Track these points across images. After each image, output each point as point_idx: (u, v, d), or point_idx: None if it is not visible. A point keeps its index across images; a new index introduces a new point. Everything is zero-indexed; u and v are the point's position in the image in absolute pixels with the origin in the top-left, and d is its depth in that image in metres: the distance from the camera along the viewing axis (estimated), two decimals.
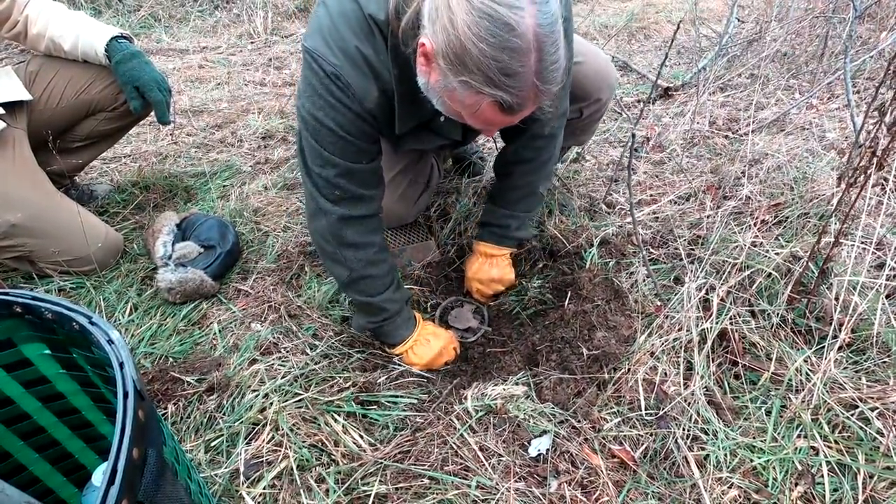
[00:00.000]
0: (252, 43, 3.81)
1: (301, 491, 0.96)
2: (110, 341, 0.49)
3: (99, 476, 0.60)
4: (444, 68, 0.77)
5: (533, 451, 1.03)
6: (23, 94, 1.44)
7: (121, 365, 0.46)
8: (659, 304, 1.26)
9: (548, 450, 1.03)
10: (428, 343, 1.20)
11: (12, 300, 0.54)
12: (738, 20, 3.68)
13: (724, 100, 2.65)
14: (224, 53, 3.54)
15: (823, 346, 1.11)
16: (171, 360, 1.24)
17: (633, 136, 1.15)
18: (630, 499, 0.96)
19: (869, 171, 1.01)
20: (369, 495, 0.96)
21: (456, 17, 0.71)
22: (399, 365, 1.24)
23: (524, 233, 1.40)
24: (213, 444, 1.04)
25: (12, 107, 1.43)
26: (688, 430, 1.04)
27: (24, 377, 0.62)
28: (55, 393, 0.65)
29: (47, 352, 0.61)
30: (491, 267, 1.38)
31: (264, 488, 0.96)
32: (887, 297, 1.23)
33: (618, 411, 1.09)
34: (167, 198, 1.85)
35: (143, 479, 0.41)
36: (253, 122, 2.44)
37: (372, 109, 0.95)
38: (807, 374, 1.08)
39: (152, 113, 1.56)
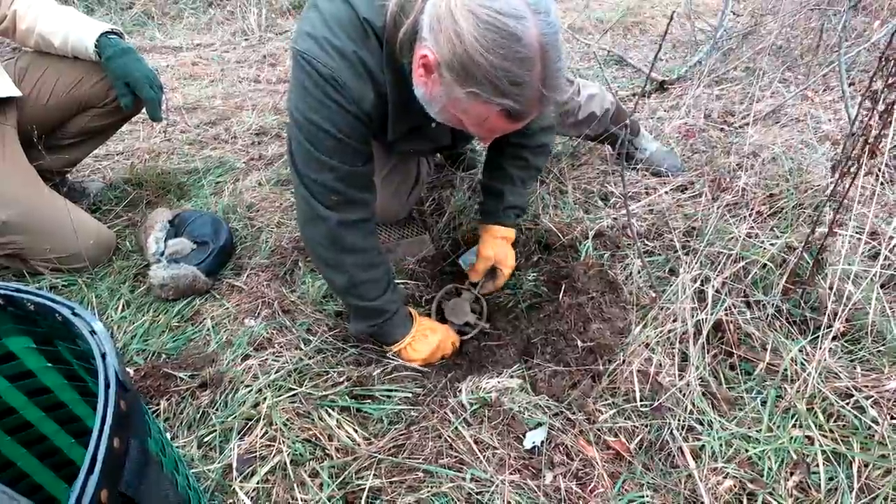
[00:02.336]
0: (246, 40, 3.79)
1: (294, 485, 0.95)
2: (93, 332, 0.48)
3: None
4: (450, 79, 0.77)
5: (528, 444, 1.02)
6: (12, 91, 1.43)
7: (103, 356, 0.45)
8: (654, 295, 1.26)
9: (543, 442, 1.02)
10: (426, 338, 1.20)
11: None
12: (734, 13, 3.67)
13: (719, 93, 2.65)
14: (218, 51, 3.52)
15: (818, 336, 1.11)
16: (163, 356, 1.23)
17: (627, 126, 1.14)
18: (625, 490, 0.96)
19: (861, 160, 1.01)
20: (363, 489, 0.95)
21: (462, 29, 0.72)
22: (393, 359, 1.23)
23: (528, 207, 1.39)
24: (205, 440, 1.03)
25: (1, 104, 1.42)
26: (683, 421, 1.04)
27: (9, 371, 0.61)
28: (41, 387, 0.64)
29: (32, 345, 0.61)
30: (508, 249, 1.35)
31: (257, 483, 0.95)
32: (882, 286, 1.23)
33: (613, 403, 1.08)
34: (160, 195, 1.84)
35: (124, 470, 0.40)
36: (247, 119, 2.43)
37: (369, 112, 0.95)
38: (802, 363, 1.08)
39: (144, 110, 1.55)
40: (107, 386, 0.43)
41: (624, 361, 1.12)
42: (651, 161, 1.83)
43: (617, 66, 3.30)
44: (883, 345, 1.09)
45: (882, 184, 1.62)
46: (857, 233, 1.34)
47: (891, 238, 1.28)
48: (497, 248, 1.33)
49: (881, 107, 0.99)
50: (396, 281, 1.45)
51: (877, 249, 1.23)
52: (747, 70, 2.94)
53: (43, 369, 0.63)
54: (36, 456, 0.72)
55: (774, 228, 1.43)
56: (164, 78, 2.95)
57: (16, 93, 1.44)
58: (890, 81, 0.97)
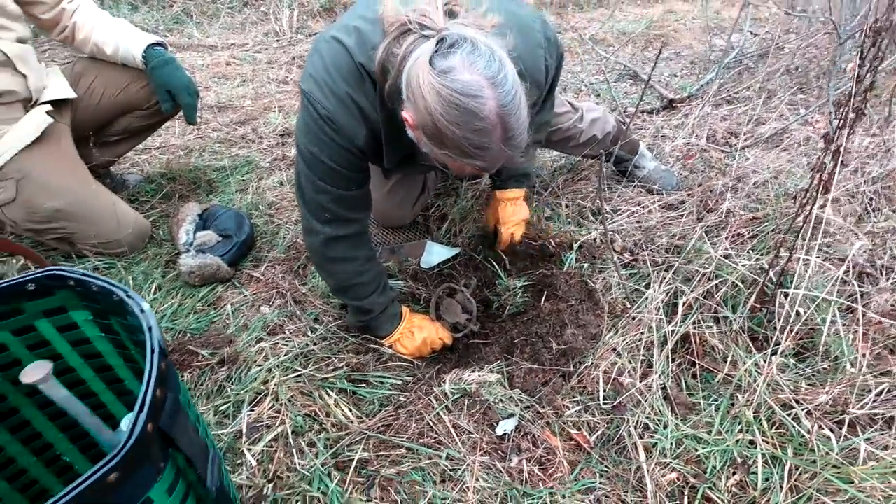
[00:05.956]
0: (277, 41, 3.97)
1: (294, 452, 1.10)
2: (142, 311, 0.63)
3: (126, 422, 0.75)
4: (426, 141, 0.90)
5: (499, 431, 1.16)
6: (69, 93, 1.62)
7: (149, 329, 0.60)
8: (628, 306, 1.37)
9: (513, 430, 1.16)
10: (412, 336, 1.34)
11: (68, 276, 0.69)
12: (751, 32, 3.71)
13: (728, 112, 2.71)
14: (251, 51, 3.71)
15: (776, 352, 1.21)
16: (188, 335, 1.40)
17: (618, 142, 1.25)
18: (581, 476, 1.08)
19: (814, 194, 1.11)
20: (353, 460, 1.10)
21: (429, 103, 0.83)
22: (388, 349, 1.37)
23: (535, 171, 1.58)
24: (221, 409, 1.19)
25: (59, 104, 1.60)
26: (641, 420, 1.16)
27: (72, 337, 0.77)
28: (95, 352, 0.80)
29: (90, 317, 0.76)
30: (519, 209, 1.53)
31: (263, 447, 1.11)
32: (849, 310, 1.32)
33: (579, 400, 1.21)
34: (191, 189, 2.01)
35: (163, 412, 0.55)
36: (273, 120, 2.60)
37: (361, 146, 1.07)
38: (754, 376, 1.19)
39: (182, 113, 1.73)
40: (152, 351, 0.58)
41: (592, 363, 1.24)
42: (647, 179, 1.94)
43: (631, 80, 3.37)
44: (829, 363, 1.19)
45: (866, 212, 1.70)
46: (827, 259, 1.44)
47: (853, 264, 1.37)
48: (499, 211, 1.54)
49: (833, 147, 1.09)
50: (397, 280, 1.61)
51: (837, 274, 1.32)
52: (760, 90, 2.98)
53: (97, 337, 0.79)
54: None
55: (752, 251, 1.53)
56: (199, 76, 3.14)
57: (71, 95, 1.63)
58: (841, 124, 1.08)
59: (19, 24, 1.51)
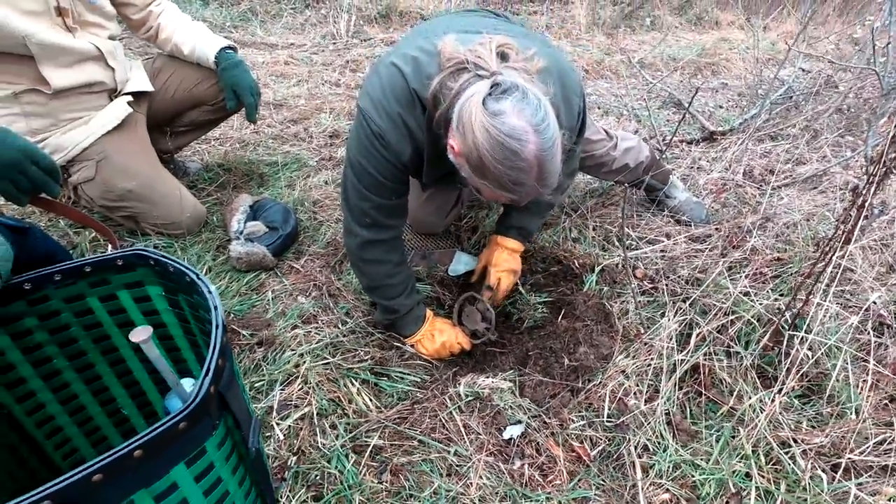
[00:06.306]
0: (334, 44, 4.16)
1: (317, 431, 1.22)
2: (209, 292, 0.75)
3: (188, 382, 0.88)
4: (469, 170, 0.99)
5: (506, 435, 1.24)
6: (147, 86, 1.79)
7: (215, 308, 0.72)
8: (641, 331, 1.43)
9: (519, 436, 1.24)
10: (432, 338, 1.43)
11: (150, 256, 0.82)
12: (802, 69, 3.66)
13: (769, 149, 2.70)
14: (308, 52, 3.90)
15: (782, 391, 1.25)
16: (232, 315, 1.53)
17: (648, 170, 1.32)
18: (578, 486, 1.15)
19: (836, 244, 1.15)
20: (369, 445, 1.20)
21: (477, 138, 0.91)
22: (410, 348, 1.47)
23: (537, 231, 1.63)
24: (256, 385, 1.32)
25: (138, 96, 1.78)
26: (642, 441, 1.22)
27: (145, 308, 0.90)
28: (161, 322, 0.93)
29: (162, 293, 0.89)
30: (513, 260, 1.56)
31: (290, 424, 1.22)
32: (865, 359, 1.34)
33: (584, 415, 1.28)
34: (244, 181, 2.17)
35: (222, 378, 0.66)
36: (324, 121, 2.76)
37: (405, 162, 1.17)
38: (757, 412, 1.23)
39: (243, 111, 1.88)
40: (216, 327, 0.69)
41: (601, 383, 1.31)
42: (677, 209, 1.98)
43: (675, 108, 3.39)
44: (837, 408, 1.22)
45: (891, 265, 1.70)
46: (845, 306, 1.46)
47: (873, 314, 1.39)
48: (493, 254, 1.56)
49: (859, 201, 1.13)
50: (425, 285, 1.71)
51: (852, 322, 1.35)
52: (805, 129, 2.95)
53: (164, 310, 0.92)
54: (146, 371, 1.01)
55: (771, 290, 1.56)
56: (258, 73, 3.34)
57: (149, 88, 1.80)
58: (870, 180, 1.12)
59: (112, 23, 1.69)
